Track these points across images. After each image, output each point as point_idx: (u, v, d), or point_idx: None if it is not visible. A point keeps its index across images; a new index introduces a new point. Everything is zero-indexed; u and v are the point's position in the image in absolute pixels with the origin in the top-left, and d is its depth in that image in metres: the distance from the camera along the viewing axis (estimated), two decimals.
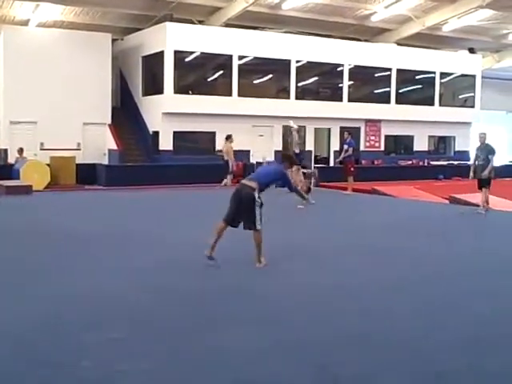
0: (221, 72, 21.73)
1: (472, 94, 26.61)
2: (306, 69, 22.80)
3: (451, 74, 26.09)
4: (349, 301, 5.30)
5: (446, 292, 5.63)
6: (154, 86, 21.02)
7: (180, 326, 4.50)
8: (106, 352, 3.89)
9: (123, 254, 7.30)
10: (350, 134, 16.76)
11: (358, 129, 23.65)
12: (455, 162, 24.81)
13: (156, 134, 20.70)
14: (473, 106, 26.62)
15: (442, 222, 10.92)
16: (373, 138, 24.27)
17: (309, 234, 9.05)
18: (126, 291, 5.48)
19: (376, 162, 23.62)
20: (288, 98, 22.17)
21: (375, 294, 5.50)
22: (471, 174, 12.48)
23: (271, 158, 20.50)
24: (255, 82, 22.50)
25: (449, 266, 6.89)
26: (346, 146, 16.33)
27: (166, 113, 19.78)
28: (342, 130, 22.61)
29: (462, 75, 26.28)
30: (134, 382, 3.47)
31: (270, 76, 22.76)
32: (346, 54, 23.17)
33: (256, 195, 6.38)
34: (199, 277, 6.08)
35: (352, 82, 23.68)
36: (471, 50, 26.79)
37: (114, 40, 21.50)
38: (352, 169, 16.28)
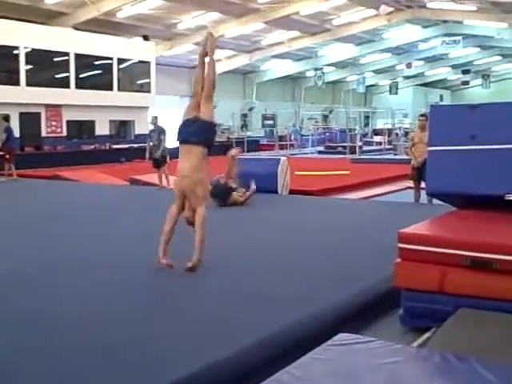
0: None
1: (148, 80, 28.10)
2: None
3: (128, 60, 27.18)
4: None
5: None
6: None
7: None
8: None
9: None
10: (5, 119, 16.73)
11: (39, 114, 23.39)
12: (135, 145, 26.00)
13: None
14: (149, 91, 28.14)
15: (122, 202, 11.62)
16: (54, 123, 24.18)
17: None
18: None
19: (58, 148, 23.61)
20: None
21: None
22: (147, 154, 13.79)
23: None
24: None
25: None
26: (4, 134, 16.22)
27: None
28: (21, 115, 22.21)
29: (139, 61, 27.53)
30: None
31: None
32: (22, 36, 22.48)
33: None
34: None
35: (30, 66, 23.21)
36: (145, 37, 28.15)
37: None
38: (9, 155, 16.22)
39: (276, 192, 11.83)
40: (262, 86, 42.34)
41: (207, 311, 4.61)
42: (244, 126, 36.44)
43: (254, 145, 31.09)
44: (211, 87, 5.81)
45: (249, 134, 33.20)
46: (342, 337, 3.55)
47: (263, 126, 35.86)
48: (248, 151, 28.65)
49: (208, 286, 5.27)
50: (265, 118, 35.23)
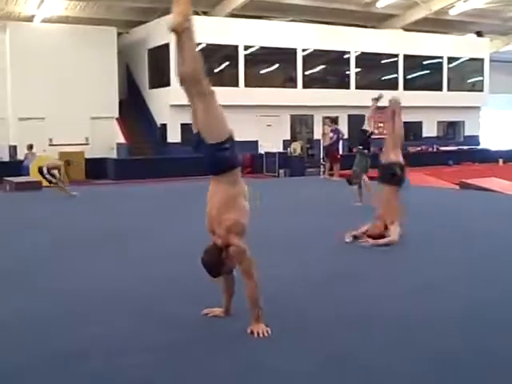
0: (227, 63, 21.67)
1: (480, 78, 26.43)
2: (313, 57, 22.73)
3: (459, 58, 25.93)
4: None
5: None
6: (160, 78, 21.00)
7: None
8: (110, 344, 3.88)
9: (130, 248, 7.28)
10: (333, 121, 17.65)
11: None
12: (465, 147, 24.67)
13: (164, 126, 20.81)
14: (481, 90, 26.45)
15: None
16: (381, 125, 24.13)
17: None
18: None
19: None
20: (295, 86, 22.14)
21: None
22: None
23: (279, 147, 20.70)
24: (261, 71, 22.44)
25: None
26: (331, 134, 16.94)
27: (174, 105, 19.41)
28: (350, 117, 22.64)
29: (470, 59, 26.09)
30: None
31: (277, 65, 22.72)
32: (353, 40, 23.07)
33: None
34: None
35: (359, 69, 23.61)
36: (479, 34, 26.59)
37: (119, 34, 21.66)
38: (338, 156, 17.09)
39: None
40: None
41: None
42: None
43: None
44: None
45: None
46: None
47: None
48: None
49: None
50: None
